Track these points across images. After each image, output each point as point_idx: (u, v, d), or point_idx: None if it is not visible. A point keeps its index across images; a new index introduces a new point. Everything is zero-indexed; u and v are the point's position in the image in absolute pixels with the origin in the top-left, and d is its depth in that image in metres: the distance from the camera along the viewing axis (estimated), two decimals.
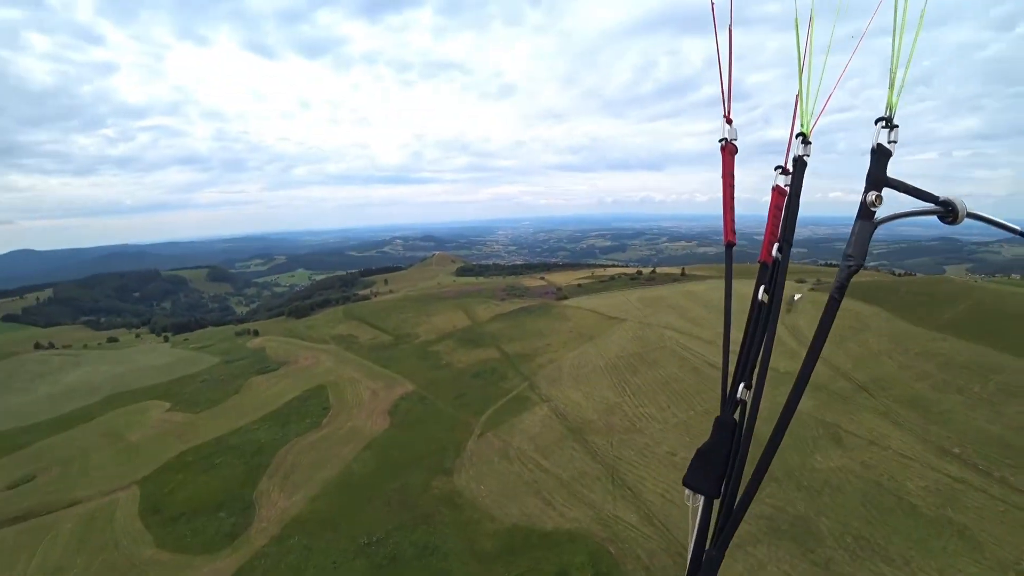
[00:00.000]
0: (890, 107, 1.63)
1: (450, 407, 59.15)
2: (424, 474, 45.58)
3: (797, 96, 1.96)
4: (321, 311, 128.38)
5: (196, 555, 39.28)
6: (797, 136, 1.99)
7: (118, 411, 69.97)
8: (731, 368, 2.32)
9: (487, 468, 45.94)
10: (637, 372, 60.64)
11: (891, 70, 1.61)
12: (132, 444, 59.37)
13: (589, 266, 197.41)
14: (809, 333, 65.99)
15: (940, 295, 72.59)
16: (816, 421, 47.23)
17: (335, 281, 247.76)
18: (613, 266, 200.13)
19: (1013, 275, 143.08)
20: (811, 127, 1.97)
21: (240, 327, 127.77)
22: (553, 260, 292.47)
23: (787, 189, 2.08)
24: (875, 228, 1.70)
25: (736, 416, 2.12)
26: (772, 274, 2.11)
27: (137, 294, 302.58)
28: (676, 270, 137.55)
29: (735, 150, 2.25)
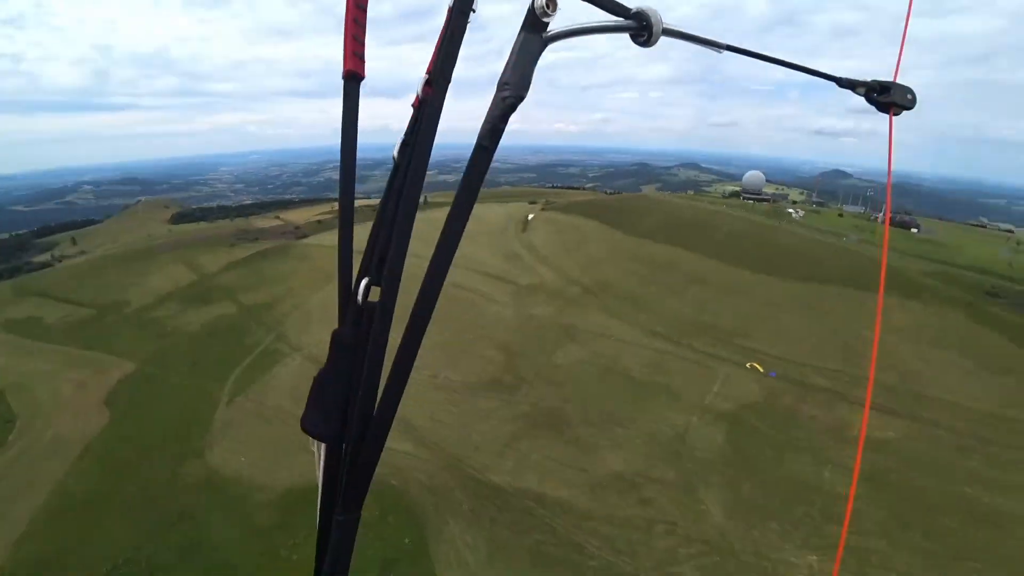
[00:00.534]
0: None
1: (187, 379, 51.59)
2: (169, 464, 39.45)
3: None
4: None
5: None
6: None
7: None
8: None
9: (245, 436, 41.92)
10: None
11: None
12: None
13: (329, 200, 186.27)
14: (542, 248, 74.03)
15: (641, 209, 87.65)
16: (555, 324, 53.92)
17: None
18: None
19: (689, 191, 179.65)
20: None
21: None
22: (288, 196, 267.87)
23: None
24: (545, 46, 1.25)
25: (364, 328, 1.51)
26: (417, 119, 1.46)
27: None
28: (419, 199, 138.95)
29: None
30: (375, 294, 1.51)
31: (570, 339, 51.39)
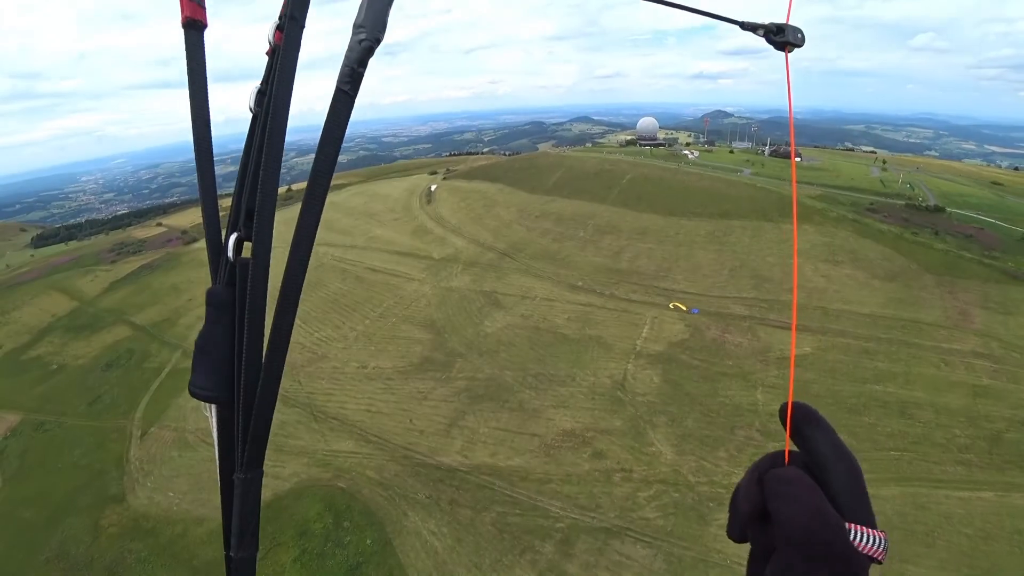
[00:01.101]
0: None
1: (87, 419, 46.20)
2: (85, 518, 35.17)
3: None
4: None
5: None
6: None
7: None
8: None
9: (169, 469, 38.33)
10: (302, 299, 56.44)
11: None
12: None
13: (219, 197, 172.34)
14: (451, 218, 72.45)
15: (542, 166, 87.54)
16: (477, 293, 53.13)
17: None
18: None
19: (587, 144, 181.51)
20: None
21: None
22: (169, 200, 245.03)
23: None
24: None
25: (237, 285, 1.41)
26: (272, 64, 1.33)
27: None
28: None
29: None
30: (247, 251, 1.41)
31: (495, 306, 50.89)
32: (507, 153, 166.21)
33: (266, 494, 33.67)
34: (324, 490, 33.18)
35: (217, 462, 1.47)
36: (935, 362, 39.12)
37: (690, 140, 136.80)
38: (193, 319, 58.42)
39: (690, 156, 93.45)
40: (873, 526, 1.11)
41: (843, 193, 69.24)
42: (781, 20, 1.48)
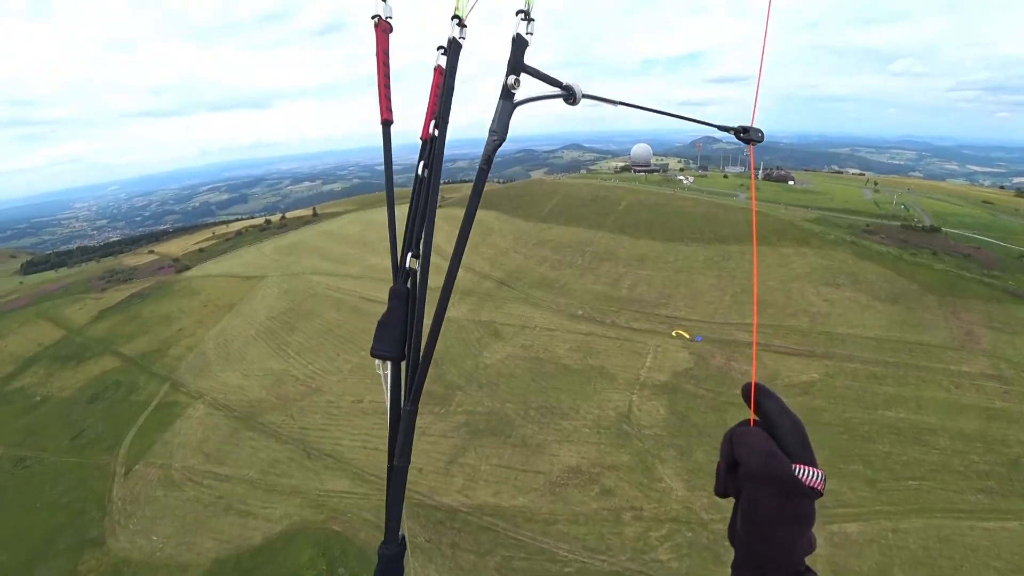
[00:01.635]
0: (528, 1, 1.83)
1: (69, 455, 44.38)
2: (62, 563, 33.28)
3: None
4: None
5: None
6: (453, 19, 2.12)
7: None
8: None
9: (153, 510, 36.50)
10: (295, 329, 56.05)
11: None
12: None
13: (208, 226, 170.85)
14: (447, 246, 69.51)
15: (537, 194, 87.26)
16: (475, 323, 51.98)
17: None
18: (237, 220, 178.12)
19: (581, 171, 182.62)
20: (467, 12, 2.11)
21: None
22: (161, 227, 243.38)
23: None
24: (514, 108, 1.89)
25: (409, 285, 2.26)
26: (431, 150, 2.23)
27: None
28: (307, 212, 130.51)
29: (390, 28, 2.31)
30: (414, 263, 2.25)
31: (494, 336, 49.76)
32: (501, 181, 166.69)
33: (255, 537, 32.18)
34: (317, 533, 31.52)
35: (388, 403, 2.13)
36: (945, 385, 38.28)
37: (682, 166, 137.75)
38: (182, 350, 56.87)
39: (685, 182, 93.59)
40: (814, 465, 1.46)
41: (839, 215, 69.22)
42: (747, 118, 1.96)
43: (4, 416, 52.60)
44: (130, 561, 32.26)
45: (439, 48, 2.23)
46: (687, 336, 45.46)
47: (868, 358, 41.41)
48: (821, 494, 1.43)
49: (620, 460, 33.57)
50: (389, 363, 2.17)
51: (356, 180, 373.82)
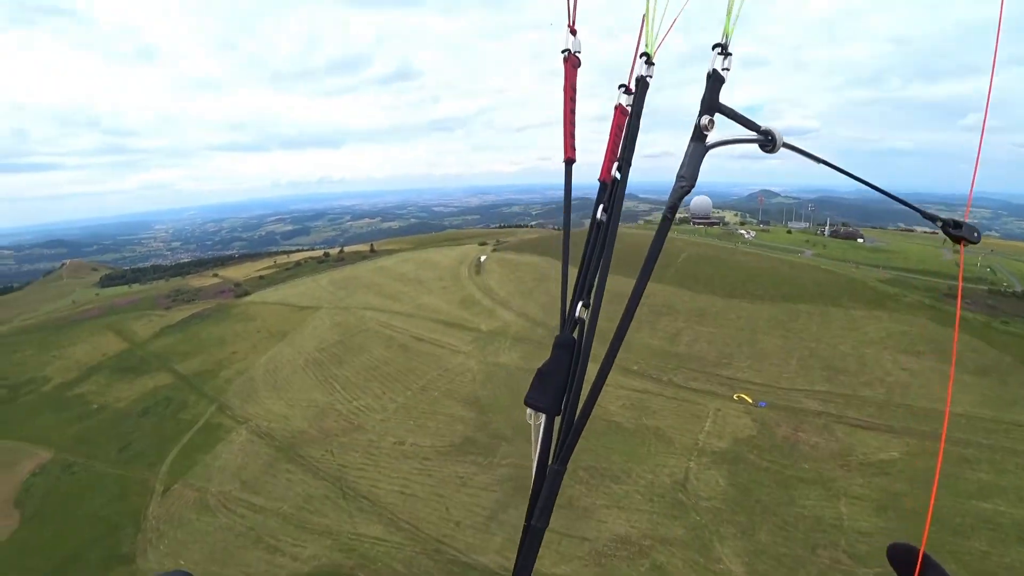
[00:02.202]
0: (726, 34, 1.65)
1: (114, 466, 44.90)
2: None
3: (643, 17, 1.99)
4: None
5: None
6: (641, 56, 2.01)
7: None
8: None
9: (185, 533, 36.01)
10: (343, 363, 55.89)
11: None
12: None
13: (271, 254, 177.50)
14: (500, 290, 70.90)
15: None
16: (526, 372, 50.06)
17: None
18: (298, 251, 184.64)
19: (639, 221, 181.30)
20: (655, 49, 2.01)
21: None
22: (228, 252, 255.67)
23: (629, 109, 2.09)
24: (706, 151, 1.71)
25: (575, 335, 2.07)
26: (611, 192, 2.09)
27: None
28: (365, 247, 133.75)
29: (578, 62, 2.21)
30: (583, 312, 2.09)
31: None
32: (556, 227, 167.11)
33: None
34: None
35: (536, 457, 1.92)
36: None
37: (740, 219, 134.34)
38: (232, 373, 57.64)
39: (746, 236, 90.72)
40: None
41: (915, 276, 64.81)
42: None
43: (61, 421, 54.28)
44: None
45: (620, 87, 2.15)
46: (750, 400, 42.45)
47: (957, 438, 37.20)
48: None
49: (674, 533, 30.84)
50: (543, 415, 1.98)
51: (414, 220, 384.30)
